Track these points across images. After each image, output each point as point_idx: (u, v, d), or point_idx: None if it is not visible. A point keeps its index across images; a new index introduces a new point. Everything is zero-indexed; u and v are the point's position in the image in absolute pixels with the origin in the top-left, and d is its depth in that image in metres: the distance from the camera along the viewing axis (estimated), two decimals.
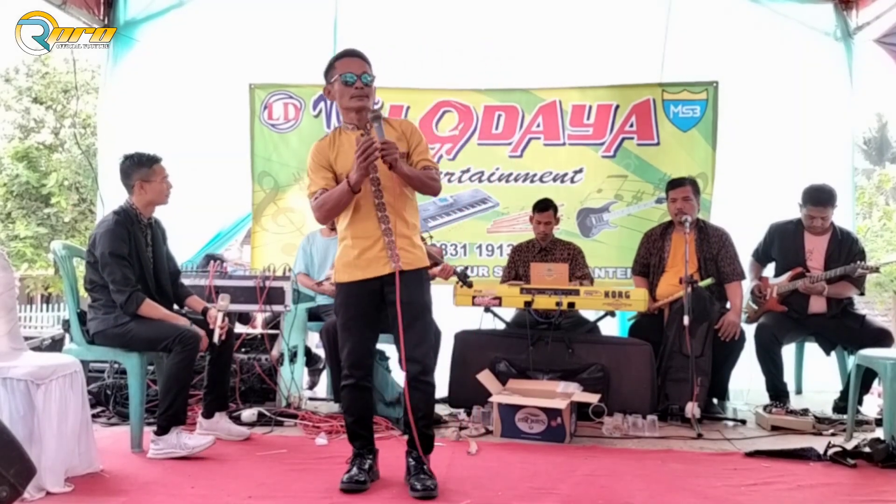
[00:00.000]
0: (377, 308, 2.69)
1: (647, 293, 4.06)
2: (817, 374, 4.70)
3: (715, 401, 4.10)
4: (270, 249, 5.20)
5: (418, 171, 2.67)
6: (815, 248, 4.18)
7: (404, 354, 2.65)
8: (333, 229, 4.57)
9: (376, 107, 2.67)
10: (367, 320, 2.70)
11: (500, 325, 4.34)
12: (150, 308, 3.19)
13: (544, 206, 4.42)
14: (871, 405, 4.08)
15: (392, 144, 2.54)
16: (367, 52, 2.74)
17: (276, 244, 5.23)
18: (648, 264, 4.36)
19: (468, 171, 5.19)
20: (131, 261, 3.20)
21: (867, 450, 3.04)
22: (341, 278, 2.71)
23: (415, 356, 2.63)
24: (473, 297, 3.97)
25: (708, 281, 4.03)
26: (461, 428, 3.59)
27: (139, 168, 3.29)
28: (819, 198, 4.11)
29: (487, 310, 4.08)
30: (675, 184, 4.24)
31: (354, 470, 2.66)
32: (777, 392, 4.10)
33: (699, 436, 3.53)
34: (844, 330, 4.10)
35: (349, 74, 2.63)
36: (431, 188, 2.73)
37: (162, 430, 3.08)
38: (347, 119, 2.73)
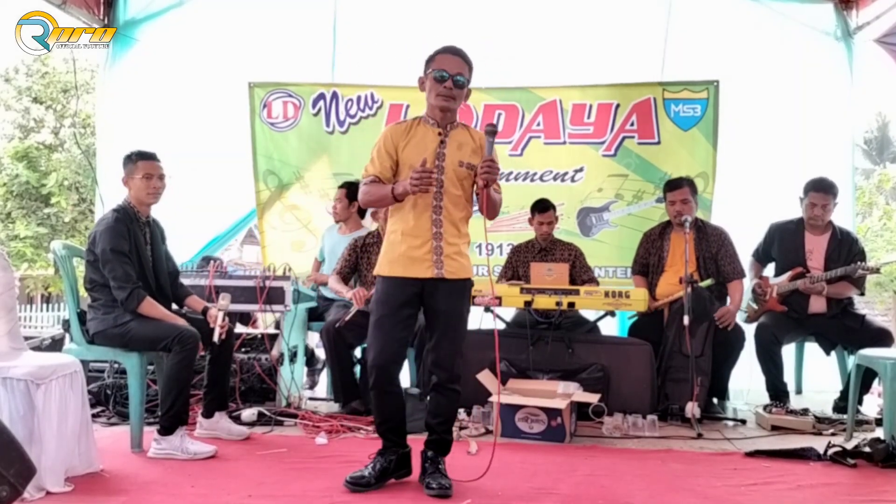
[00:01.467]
0: (413, 312, 2.67)
1: (647, 293, 4.06)
2: (817, 374, 4.70)
3: (715, 401, 4.10)
4: (280, 247, 5.22)
5: (496, 196, 2.66)
6: (816, 248, 4.18)
7: (433, 360, 2.66)
8: (342, 222, 4.61)
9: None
10: (401, 323, 2.66)
11: (501, 325, 4.33)
12: (151, 306, 3.18)
13: (545, 207, 4.42)
14: (871, 405, 4.09)
15: (496, 167, 2.53)
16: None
17: (285, 241, 5.25)
18: (648, 264, 4.37)
19: None
20: (131, 258, 3.19)
21: (867, 450, 3.04)
22: (382, 271, 2.69)
23: (444, 363, 2.63)
24: (473, 297, 3.96)
25: (708, 282, 4.02)
26: (461, 428, 3.59)
27: (125, 165, 3.29)
28: (821, 184, 4.13)
29: (487, 309, 4.08)
30: (672, 186, 4.23)
31: (369, 469, 2.63)
32: (777, 392, 4.10)
33: (699, 436, 3.53)
34: (844, 330, 4.10)
35: (442, 72, 2.58)
36: (495, 214, 2.73)
37: (166, 431, 3.08)
38: (430, 113, 2.68)
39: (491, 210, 2.66)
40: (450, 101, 2.60)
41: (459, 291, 2.67)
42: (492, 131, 2.56)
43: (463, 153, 2.63)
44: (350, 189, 4.49)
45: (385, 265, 2.68)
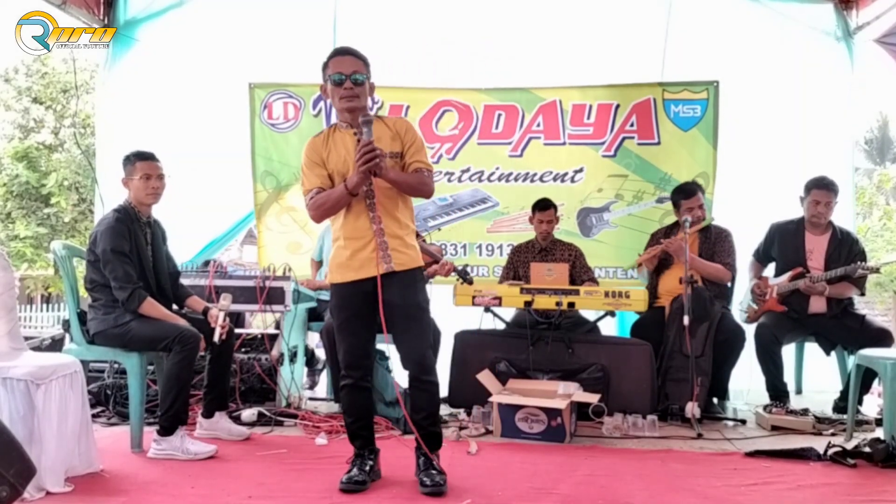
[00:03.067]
0: (372, 308, 2.68)
1: (647, 292, 4.09)
2: (817, 374, 4.70)
3: (715, 401, 4.10)
4: (276, 248, 5.20)
5: (407, 175, 2.65)
6: (816, 248, 4.19)
7: (403, 356, 2.65)
8: None
9: (377, 106, 2.64)
10: (362, 321, 2.69)
11: (500, 325, 4.34)
12: (151, 307, 3.18)
13: (546, 205, 4.43)
14: (871, 405, 4.09)
15: (370, 148, 2.49)
16: (367, 51, 2.72)
17: (281, 243, 5.23)
18: None
19: (468, 170, 5.19)
20: (132, 258, 3.19)
21: (867, 450, 3.04)
22: (335, 279, 2.71)
23: (414, 357, 2.63)
24: (473, 297, 3.97)
25: (709, 219, 4.15)
26: (461, 428, 3.59)
27: (124, 166, 3.30)
28: (823, 181, 4.14)
29: (487, 310, 4.08)
30: (688, 193, 4.28)
31: (354, 470, 2.66)
32: (777, 392, 4.10)
33: (699, 436, 3.53)
34: (844, 330, 4.10)
35: (338, 74, 2.61)
36: (422, 192, 2.71)
37: (165, 431, 3.08)
38: (342, 118, 2.72)
39: (408, 189, 2.66)
40: (354, 100, 2.61)
41: (411, 282, 2.66)
42: (367, 121, 2.55)
43: (382, 145, 2.62)
44: None
45: (335, 272, 2.70)
